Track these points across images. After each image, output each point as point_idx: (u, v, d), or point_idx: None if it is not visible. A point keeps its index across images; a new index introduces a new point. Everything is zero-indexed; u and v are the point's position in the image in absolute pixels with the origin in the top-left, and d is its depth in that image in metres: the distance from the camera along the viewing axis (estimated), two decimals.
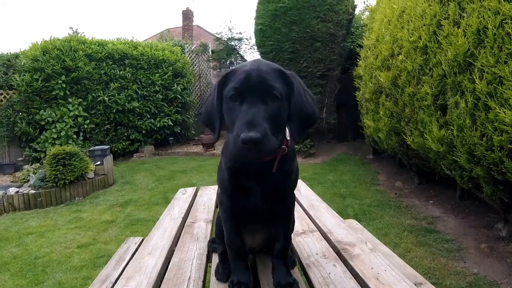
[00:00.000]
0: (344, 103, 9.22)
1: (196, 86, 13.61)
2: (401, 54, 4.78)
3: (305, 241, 1.61)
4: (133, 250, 2.77)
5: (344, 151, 9.27)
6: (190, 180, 7.58)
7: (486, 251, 3.60)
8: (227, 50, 13.49)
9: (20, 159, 9.85)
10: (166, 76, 11.48)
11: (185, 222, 2.14)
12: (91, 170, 7.45)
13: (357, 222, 2.13)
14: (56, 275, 3.83)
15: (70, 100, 9.82)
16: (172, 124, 11.58)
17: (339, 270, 1.42)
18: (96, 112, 10.24)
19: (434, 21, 3.96)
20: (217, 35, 14.51)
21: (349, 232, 1.75)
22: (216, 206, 2.47)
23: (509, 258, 3.42)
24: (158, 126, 11.23)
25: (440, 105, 3.88)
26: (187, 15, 19.99)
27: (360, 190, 6.04)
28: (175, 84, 11.69)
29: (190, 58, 13.51)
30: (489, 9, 3.03)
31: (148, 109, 11.13)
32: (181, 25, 20.19)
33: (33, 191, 6.66)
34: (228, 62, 13.80)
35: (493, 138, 2.95)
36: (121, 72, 10.67)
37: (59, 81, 9.60)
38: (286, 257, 1.43)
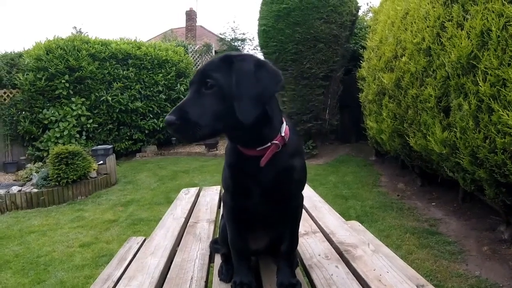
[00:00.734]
0: (347, 104, 9.21)
1: None
2: (404, 55, 4.77)
3: (307, 242, 1.61)
4: (135, 250, 2.78)
5: (347, 153, 9.26)
6: (192, 180, 7.60)
7: (488, 253, 3.59)
8: (230, 50, 13.51)
9: (22, 158, 9.89)
10: (169, 76, 11.53)
11: (188, 222, 2.15)
12: (94, 169, 7.49)
13: (359, 224, 2.13)
14: (58, 274, 3.84)
15: (73, 99, 9.87)
16: None
17: (342, 272, 1.42)
18: (99, 112, 10.29)
19: (438, 23, 3.95)
20: (220, 36, 14.55)
21: (351, 233, 1.75)
22: (219, 207, 2.48)
23: (511, 261, 3.41)
24: (161, 126, 11.26)
25: (443, 107, 3.87)
26: (191, 16, 20.04)
27: (362, 191, 6.03)
28: (178, 84, 11.73)
29: (193, 58, 13.56)
30: (493, 11, 3.03)
31: (151, 109, 11.18)
32: (184, 25, 20.24)
33: (35, 190, 6.69)
34: None
35: (496, 140, 2.94)
36: (124, 72, 10.72)
37: (63, 81, 9.65)
38: (291, 258, 1.43)
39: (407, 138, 4.80)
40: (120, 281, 1.51)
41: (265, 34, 8.78)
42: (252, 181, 1.31)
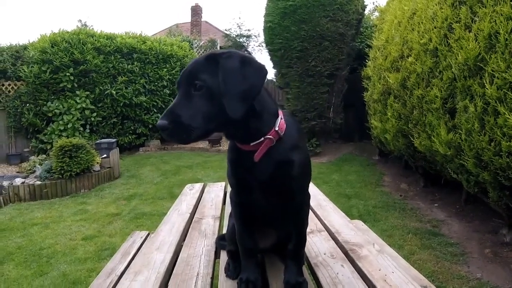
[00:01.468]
0: (351, 103, 9.20)
1: None
2: (410, 56, 4.76)
3: (313, 241, 1.62)
4: (139, 244, 2.79)
5: (350, 151, 9.26)
6: (195, 175, 7.61)
7: (489, 256, 3.59)
8: (235, 46, 13.52)
9: (26, 150, 9.92)
10: (174, 71, 11.52)
11: (193, 218, 2.15)
12: (97, 162, 7.50)
13: (363, 223, 2.14)
14: (60, 267, 3.85)
15: (77, 92, 9.88)
16: None
17: (347, 271, 1.42)
18: (103, 105, 10.29)
19: (445, 24, 3.94)
20: (225, 32, 14.56)
21: (356, 233, 1.76)
22: (224, 203, 2.49)
23: None
24: None
25: (449, 109, 3.86)
26: (196, 11, 20.03)
27: (365, 190, 6.03)
28: None
29: (198, 54, 13.54)
30: (501, 14, 3.02)
31: (155, 103, 11.18)
32: (189, 20, 20.22)
33: (39, 182, 6.70)
34: None
35: (502, 143, 2.94)
36: (129, 66, 10.71)
37: (67, 74, 9.65)
38: (298, 257, 1.43)
39: (412, 139, 4.80)
40: (126, 276, 1.52)
41: (270, 31, 8.77)
42: (250, 176, 1.33)
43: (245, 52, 13.61)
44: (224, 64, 1.19)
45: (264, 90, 1.29)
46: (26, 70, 9.50)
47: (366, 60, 7.37)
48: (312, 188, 2.54)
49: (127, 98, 10.49)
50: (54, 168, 6.79)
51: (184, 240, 1.82)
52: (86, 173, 7.10)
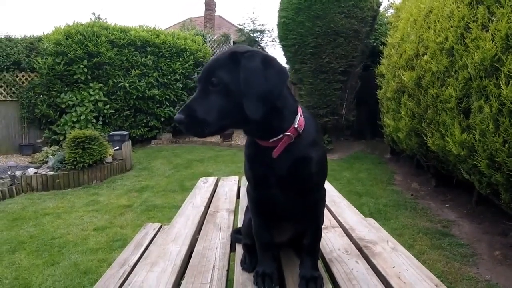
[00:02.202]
0: (364, 100, 9.15)
1: None
2: (426, 54, 4.72)
3: (327, 237, 1.64)
4: (152, 236, 2.83)
5: (362, 149, 9.24)
6: (206, 169, 7.65)
7: (499, 258, 3.58)
8: (248, 41, 13.48)
9: (39, 140, 10.07)
10: (187, 65, 11.59)
11: (208, 211, 2.18)
12: (110, 154, 7.58)
13: (375, 221, 2.15)
14: (72, 256, 3.91)
15: (91, 84, 10.00)
16: None
17: (362, 267, 1.44)
18: (116, 98, 10.40)
19: (462, 24, 3.91)
20: (239, 26, 14.52)
21: (370, 230, 1.77)
22: (238, 197, 2.51)
23: None
24: None
25: (464, 109, 3.83)
26: (210, 5, 20.03)
27: (376, 189, 6.02)
28: (196, 73, 11.78)
29: (211, 48, 13.56)
30: None
31: (168, 97, 11.26)
32: (203, 14, 20.23)
33: (51, 173, 6.79)
34: None
35: None
36: (142, 59, 10.80)
37: (81, 66, 9.78)
38: (314, 252, 1.45)
39: (425, 138, 4.78)
40: (142, 267, 1.55)
41: (284, 26, 8.74)
42: (268, 171, 1.34)
43: (258, 47, 13.64)
44: (246, 64, 1.20)
45: (285, 87, 1.30)
46: (40, 62, 9.62)
47: (380, 58, 7.32)
48: (326, 185, 2.56)
49: (140, 91, 10.59)
50: (67, 159, 6.87)
51: (199, 232, 1.85)
52: (99, 164, 7.19)
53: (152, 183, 6.80)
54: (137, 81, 10.56)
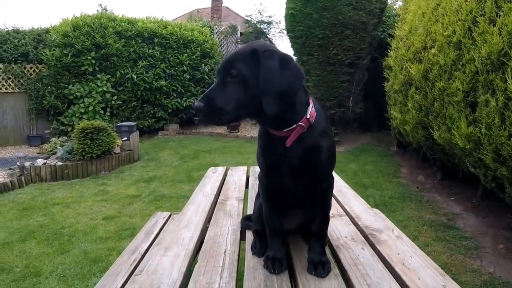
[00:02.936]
0: (371, 93, 9.13)
1: None
2: (434, 47, 4.72)
3: (334, 224, 1.69)
4: (161, 224, 2.90)
5: (368, 142, 9.24)
6: (213, 160, 7.70)
7: (503, 252, 3.61)
8: (255, 33, 13.46)
9: (47, 131, 10.14)
10: (194, 56, 11.58)
11: (218, 199, 2.24)
12: (118, 145, 7.63)
13: (380, 212, 2.20)
14: (81, 245, 3.97)
15: (98, 76, 10.04)
16: None
17: (367, 253, 1.50)
18: (123, 89, 10.44)
19: (470, 17, 3.91)
20: (246, 18, 14.49)
21: (376, 219, 1.83)
22: (247, 187, 2.56)
23: None
24: (184, 105, 11.39)
25: (470, 102, 3.84)
26: None
27: (382, 181, 6.05)
28: (203, 64, 11.78)
29: (218, 39, 13.55)
30: None
31: (175, 88, 11.28)
32: (210, 6, 20.17)
33: (60, 163, 6.85)
34: None
35: None
36: (150, 51, 10.82)
37: (89, 57, 9.81)
38: (322, 238, 1.51)
39: (431, 131, 4.79)
40: (156, 251, 1.61)
41: (292, 18, 8.71)
42: (281, 160, 1.41)
43: (266, 39, 13.61)
44: (265, 63, 1.26)
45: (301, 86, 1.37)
46: (48, 54, 9.66)
47: (388, 50, 7.31)
48: (333, 175, 2.61)
49: (148, 82, 10.62)
50: (76, 150, 6.93)
51: (209, 220, 1.91)
52: (107, 155, 7.24)
53: (160, 174, 6.86)
54: (144, 72, 10.59)
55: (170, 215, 3.03)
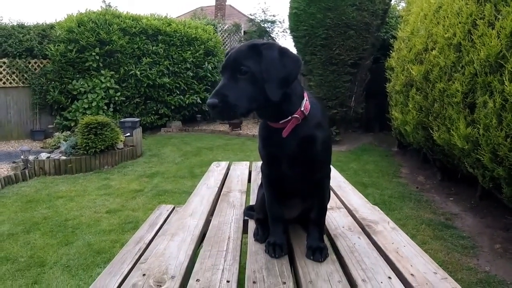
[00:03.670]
0: (373, 93, 9.17)
1: None
2: (435, 49, 4.78)
3: (332, 216, 1.76)
4: (165, 216, 2.97)
5: (369, 142, 9.29)
6: (215, 157, 7.76)
7: (499, 251, 3.66)
8: (259, 32, 13.50)
9: (50, 126, 10.21)
10: (197, 54, 11.65)
11: (221, 191, 2.31)
12: (121, 141, 7.70)
13: (379, 209, 2.26)
14: (85, 237, 4.04)
15: (102, 72, 10.11)
16: (200, 102, 11.76)
17: (363, 242, 1.57)
18: (127, 85, 10.51)
19: (470, 20, 3.98)
20: (250, 16, 14.54)
21: (373, 212, 1.90)
22: (249, 181, 2.64)
23: None
24: (186, 102, 11.46)
25: (469, 103, 3.90)
26: None
27: (382, 180, 6.10)
28: (206, 62, 11.85)
29: (222, 37, 13.61)
30: None
31: (178, 85, 11.35)
32: (214, 4, 20.22)
33: (63, 158, 6.91)
34: None
35: None
36: (153, 48, 10.89)
37: (93, 53, 9.89)
38: (320, 225, 1.59)
39: (431, 131, 4.85)
40: (163, 237, 1.67)
41: (296, 18, 8.79)
42: (279, 150, 1.51)
43: (269, 38, 13.64)
44: (266, 54, 1.36)
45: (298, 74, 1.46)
46: (52, 49, 9.73)
47: (390, 51, 7.37)
48: (333, 171, 2.68)
49: (151, 79, 10.69)
50: (79, 144, 7.00)
51: (213, 210, 1.99)
52: (110, 150, 7.32)
53: (162, 169, 6.94)
54: (148, 69, 10.66)
55: (173, 208, 3.11)
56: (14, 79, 10.06)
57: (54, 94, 9.90)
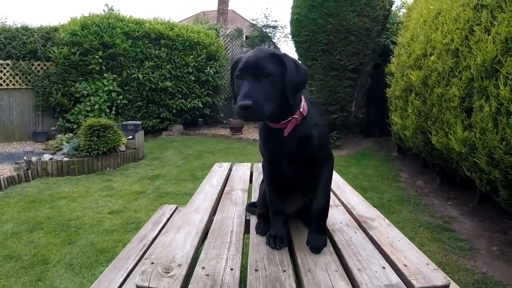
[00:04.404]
0: (374, 98, 9.22)
1: (229, 70, 13.74)
2: (433, 54, 4.87)
3: (330, 213, 1.83)
4: (168, 216, 3.05)
5: (370, 147, 9.34)
6: (216, 160, 7.76)
7: (497, 253, 3.71)
8: (261, 37, 13.57)
9: (53, 128, 10.23)
10: (199, 58, 11.71)
11: (224, 190, 2.39)
12: (123, 143, 7.77)
13: (376, 210, 2.33)
14: (88, 236, 4.11)
15: (105, 75, 10.18)
16: (202, 106, 11.84)
17: (360, 236, 1.65)
18: (129, 89, 10.58)
19: (467, 26, 4.07)
20: (252, 21, 14.60)
21: (369, 209, 1.98)
22: (251, 181, 2.72)
23: None
24: (188, 106, 11.53)
25: (466, 108, 3.99)
26: None
27: (381, 185, 6.16)
28: (208, 67, 11.91)
29: (224, 42, 13.69)
30: None
31: (180, 89, 11.42)
32: (216, 8, 20.33)
33: (66, 159, 6.98)
34: None
35: None
36: (156, 52, 10.97)
37: (96, 56, 9.95)
38: (322, 218, 1.65)
39: (430, 136, 4.92)
40: (169, 230, 1.75)
41: (297, 23, 8.86)
42: (279, 148, 1.61)
43: (271, 43, 13.70)
44: (288, 63, 1.49)
45: None
46: (56, 51, 9.79)
47: (391, 57, 7.45)
48: (334, 174, 2.75)
49: (153, 82, 10.77)
50: (82, 146, 7.05)
51: (217, 206, 2.06)
52: (112, 152, 7.37)
53: (164, 172, 7.00)
54: (150, 72, 10.74)
55: (176, 207, 3.19)
56: (17, 81, 10.12)
57: (57, 97, 9.95)
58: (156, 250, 1.53)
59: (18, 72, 10.08)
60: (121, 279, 2.03)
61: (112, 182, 6.36)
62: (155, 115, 11.19)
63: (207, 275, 1.30)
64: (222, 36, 13.79)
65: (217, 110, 12.87)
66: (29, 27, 10.50)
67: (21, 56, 10.05)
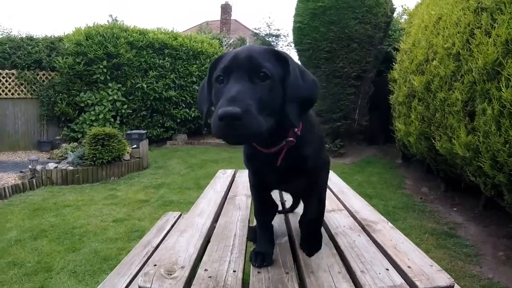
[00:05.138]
0: (377, 105, 9.24)
1: None
2: (435, 59, 4.87)
3: (334, 217, 1.83)
4: (172, 222, 3.05)
5: (374, 154, 9.32)
6: (221, 169, 7.79)
7: (502, 259, 3.68)
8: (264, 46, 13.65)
9: (57, 138, 10.27)
10: (203, 67, 11.74)
11: (227, 195, 2.39)
12: (128, 152, 7.78)
13: (380, 214, 2.32)
14: (92, 244, 4.11)
15: (110, 84, 10.23)
16: None
17: (363, 239, 1.64)
18: (134, 98, 10.62)
19: (468, 30, 4.08)
20: (255, 30, 14.73)
21: (373, 213, 1.97)
22: None
23: None
24: (192, 116, 11.57)
25: (469, 111, 3.98)
26: (226, 9, 20.30)
27: (386, 192, 6.13)
28: None
29: (227, 51, 13.74)
30: None
31: (184, 98, 11.45)
32: (219, 18, 20.49)
33: (71, 168, 6.99)
34: None
35: None
36: (160, 61, 11.02)
37: (101, 66, 10.01)
38: (317, 223, 1.59)
39: (434, 141, 4.90)
40: (173, 234, 1.76)
41: (300, 31, 8.91)
42: (267, 168, 1.37)
43: None
44: (292, 65, 1.15)
45: None
46: (60, 61, 9.85)
47: (393, 63, 7.46)
48: (335, 178, 2.75)
49: (157, 92, 10.81)
50: (87, 155, 7.07)
51: (221, 211, 2.06)
52: (117, 161, 7.39)
53: (168, 181, 7.00)
54: (154, 82, 10.78)
55: (180, 215, 3.18)
56: (22, 91, 10.18)
57: (61, 106, 10.00)
58: (160, 252, 1.53)
59: (23, 82, 10.14)
60: (124, 285, 2.03)
61: (117, 190, 6.37)
62: (159, 125, 11.22)
63: (210, 277, 1.29)
64: (225, 45, 13.88)
65: None
66: (34, 37, 10.60)
67: (26, 66, 10.12)
